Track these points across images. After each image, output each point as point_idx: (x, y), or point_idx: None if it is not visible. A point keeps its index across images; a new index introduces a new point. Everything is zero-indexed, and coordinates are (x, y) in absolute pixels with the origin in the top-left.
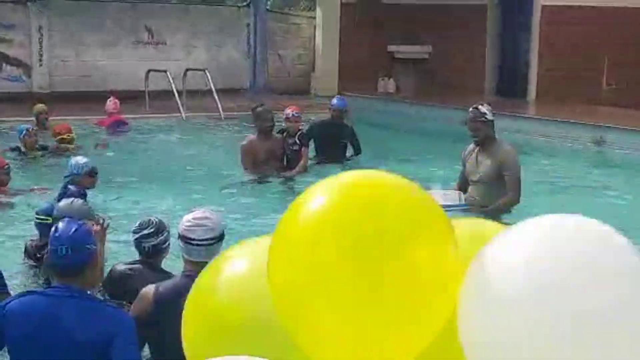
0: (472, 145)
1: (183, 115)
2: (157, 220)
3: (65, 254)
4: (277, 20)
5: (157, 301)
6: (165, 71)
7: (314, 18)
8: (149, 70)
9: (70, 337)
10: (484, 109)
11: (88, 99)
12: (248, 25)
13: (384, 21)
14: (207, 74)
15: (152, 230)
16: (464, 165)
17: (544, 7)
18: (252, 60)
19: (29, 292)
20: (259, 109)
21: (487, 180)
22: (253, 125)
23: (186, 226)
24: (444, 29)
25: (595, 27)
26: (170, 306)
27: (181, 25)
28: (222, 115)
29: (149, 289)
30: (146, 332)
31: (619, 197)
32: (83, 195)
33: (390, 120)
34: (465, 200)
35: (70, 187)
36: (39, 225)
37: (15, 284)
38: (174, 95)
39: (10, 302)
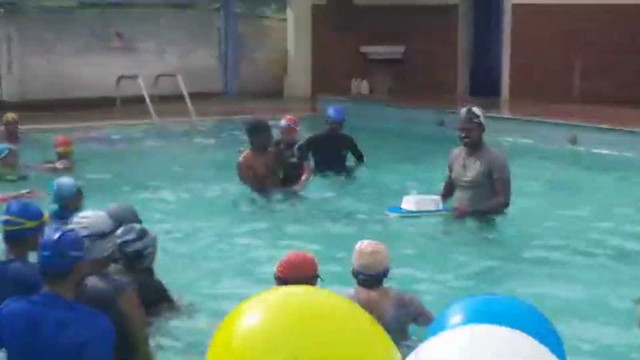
0: (458, 149)
1: (155, 120)
2: (139, 227)
3: (49, 261)
4: (248, 24)
5: None
6: (136, 77)
7: (286, 20)
8: (121, 77)
9: (49, 343)
10: (477, 111)
11: (60, 107)
12: (219, 29)
13: (356, 22)
14: (179, 79)
15: (134, 235)
16: (451, 170)
17: (514, 6)
18: (224, 64)
19: (19, 298)
20: (257, 123)
21: (476, 184)
22: (249, 140)
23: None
24: (417, 29)
25: (566, 26)
26: None
27: (152, 30)
28: (195, 120)
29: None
30: None
31: (592, 195)
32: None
33: (364, 121)
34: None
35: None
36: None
37: None
38: (145, 101)
39: (4, 307)
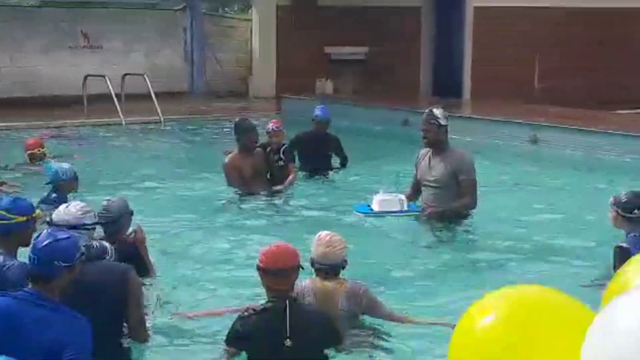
0: (425, 150)
1: (122, 120)
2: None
3: (34, 264)
4: (213, 23)
5: None
6: (103, 76)
7: (251, 20)
8: (87, 76)
9: (27, 341)
10: (437, 112)
11: (25, 105)
12: (185, 28)
13: (320, 23)
14: (146, 78)
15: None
16: (417, 169)
17: (476, 8)
18: (190, 63)
19: (2, 293)
20: (245, 123)
21: (440, 184)
22: (236, 140)
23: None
24: (380, 30)
25: (526, 27)
26: None
27: (118, 29)
28: (162, 119)
29: None
30: None
31: (553, 192)
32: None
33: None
34: (420, 204)
35: (55, 195)
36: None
37: None
38: (112, 99)
39: None
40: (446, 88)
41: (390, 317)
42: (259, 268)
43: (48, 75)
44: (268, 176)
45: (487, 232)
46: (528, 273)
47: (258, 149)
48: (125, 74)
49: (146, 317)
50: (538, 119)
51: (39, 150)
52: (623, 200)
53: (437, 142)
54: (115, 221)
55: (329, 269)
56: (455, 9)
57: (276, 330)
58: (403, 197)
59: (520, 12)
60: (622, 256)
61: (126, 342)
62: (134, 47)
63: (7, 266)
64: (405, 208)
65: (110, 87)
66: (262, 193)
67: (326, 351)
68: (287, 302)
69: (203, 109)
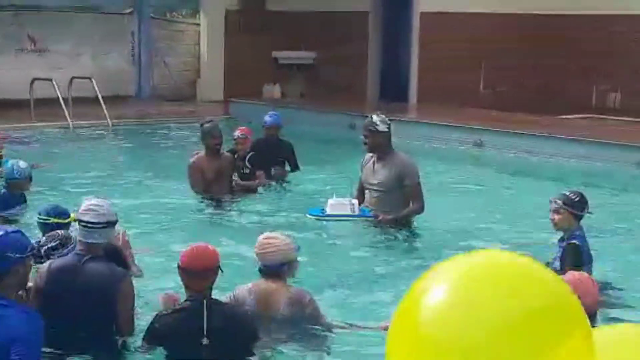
0: (370, 154)
1: (70, 123)
2: (63, 232)
3: None
4: (161, 27)
5: (50, 272)
6: (50, 80)
7: (199, 24)
8: (34, 79)
9: None
10: (376, 118)
11: None
12: (133, 32)
13: (268, 27)
14: (94, 82)
15: (56, 243)
16: (362, 173)
17: (422, 13)
18: (137, 67)
19: None
20: (207, 125)
21: (383, 188)
22: (201, 141)
23: (80, 211)
24: (328, 35)
25: (472, 33)
26: (60, 276)
27: (65, 33)
28: (110, 123)
29: (45, 264)
30: (43, 300)
31: (496, 195)
32: (24, 199)
33: None
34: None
35: (4, 190)
36: (40, 225)
37: None
38: (60, 103)
39: None
40: (393, 92)
41: (330, 328)
42: (179, 267)
43: None
44: (234, 183)
45: (433, 235)
46: None
47: (227, 153)
48: (73, 78)
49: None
50: (483, 123)
51: None
52: (576, 200)
53: (377, 148)
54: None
55: (266, 270)
56: (402, 14)
57: (193, 329)
58: (355, 201)
59: (467, 18)
60: (575, 252)
61: (118, 343)
62: (81, 51)
63: None
64: (357, 212)
65: (57, 90)
66: (222, 199)
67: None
68: (204, 301)
69: (151, 112)
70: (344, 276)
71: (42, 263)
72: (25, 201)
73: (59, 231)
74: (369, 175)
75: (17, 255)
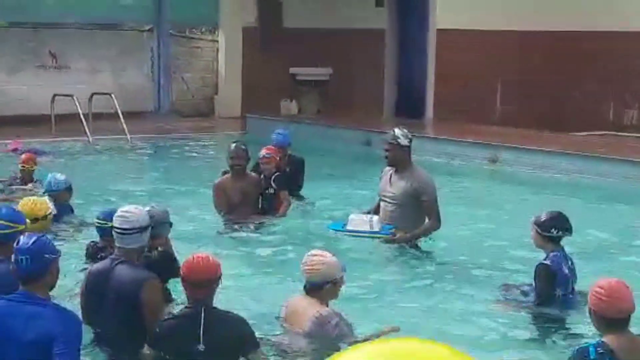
0: (389, 167)
1: (90, 138)
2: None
3: (25, 264)
4: (180, 44)
5: (88, 274)
6: (71, 96)
7: (217, 41)
8: (55, 95)
9: (19, 338)
10: (398, 132)
11: None
12: (152, 49)
13: (285, 44)
14: (114, 98)
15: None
16: (380, 183)
17: (438, 30)
18: (156, 83)
19: None
20: (232, 145)
21: (398, 201)
22: (228, 163)
23: (115, 216)
24: (344, 51)
25: (488, 50)
26: (95, 278)
27: (85, 49)
28: (129, 138)
29: (89, 267)
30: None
31: (511, 211)
32: (71, 209)
33: (293, 141)
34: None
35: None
36: (98, 229)
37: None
38: (80, 119)
39: None
40: (409, 109)
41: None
42: (181, 277)
43: (15, 94)
44: (260, 204)
45: (448, 250)
46: (484, 290)
47: (253, 174)
48: (93, 94)
49: None
50: (498, 139)
51: (24, 167)
52: (542, 220)
53: (398, 162)
54: (154, 228)
55: (309, 287)
56: (419, 31)
57: (189, 335)
58: (375, 217)
59: (483, 35)
60: (545, 273)
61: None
62: (101, 67)
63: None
64: (376, 229)
65: (78, 106)
66: (248, 223)
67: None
68: (202, 308)
69: (169, 128)
70: (363, 289)
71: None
72: (72, 211)
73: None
74: (385, 186)
75: (52, 256)
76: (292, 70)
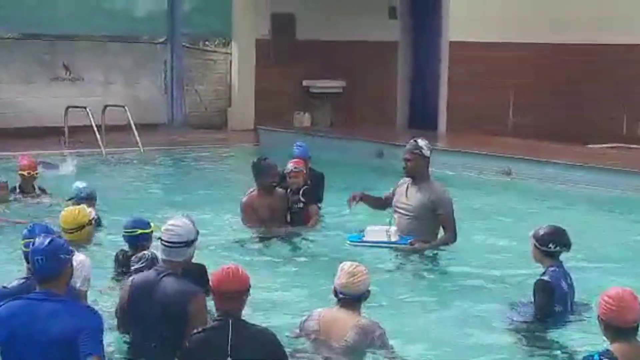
0: (406, 179)
1: (103, 151)
2: (149, 254)
3: (42, 264)
4: (193, 56)
5: (132, 286)
6: (84, 108)
7: (230, 54)
8: (68, 107)
9: (45, 335)
10: (421, 142)
11: (6, 136)
12: (165, 61)
13: (299, 57)
14: (127, 109)
15: (142, 265)
16: (393, 193)
17: (452, 43)
18: (169, 95)
19: (15, 298)
20: (263, 162)
21: (414, 214)
22: (254, 179)
23: (163, 229)
24: (358, 64)
25: (501, 62)
26: (140, 290)
27: (98, 61)
28: (142, 150)
29: (129, 279)
30: (128, 310)
31: (525, 223)
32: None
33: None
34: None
35: None
36: (126, 237)
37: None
38: (93, 131)
39: (1, 305)
40: (422, 121)
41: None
42: (210, 289)
43: (29, 106)
44: (288, 218)
45: (460, 262)
46: (498, 300)
47: (280, 190)
48: (106, 106)
49: None
50: (512, 151)
51: (28, 173)
52: (540, 234)
53: (417, 173)
54: None
55: (347, 298)
56: (432, 43)
57: (218, 348)
58: (393, 228)
59: (496, 47)
60: (544, 289)
61: None
62: (114, 79)
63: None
64: (394, 239)
65: (91, 118)
66: (277, 236)
67: None
68: (231, 321)
69: (182, 140)
70: (382, 300)
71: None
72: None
73: (146, 252)
74: (401, 197)
75: (66, 256)
76: (305, 82)
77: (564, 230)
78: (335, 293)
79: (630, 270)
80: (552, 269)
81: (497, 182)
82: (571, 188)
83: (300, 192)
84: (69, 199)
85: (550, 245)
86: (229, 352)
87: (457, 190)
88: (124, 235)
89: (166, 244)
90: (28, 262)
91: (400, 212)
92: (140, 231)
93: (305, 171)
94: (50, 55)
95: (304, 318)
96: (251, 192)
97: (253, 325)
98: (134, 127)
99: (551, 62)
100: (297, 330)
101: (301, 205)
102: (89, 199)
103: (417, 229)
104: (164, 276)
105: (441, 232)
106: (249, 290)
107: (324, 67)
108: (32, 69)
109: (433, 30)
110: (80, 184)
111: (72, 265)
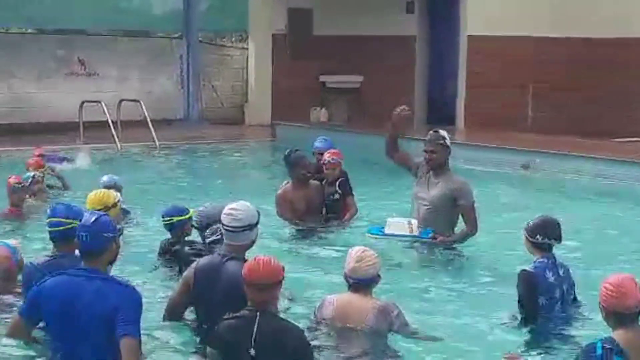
0: (426, 169)
1: (118, 145)
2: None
3: (86, 240)
4: (209, 52)
5: (196, 269)
6: (99, 102)
7: (247, 49)
8: (84, 102)
9: (88, 310)
10: (443, 132)
11: (21, 131)
12: (181, 56)
13: (315, 52)
14: (142, 104)
15: (217, 237)
16: (415, 180)
17: (469, 37)
18: (185, 91)
19: (59, 273)
20: (294, 155)
21: (434, 206)
22: (288, 172)
23: (223, 214)
24: (375, 59)
25: (519, 56)
26: (204, 273)
27: (114, 56)
28: (158, 145)
29: (195, 263)
30: (192, 293)
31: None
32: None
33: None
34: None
35: None
36: (166, 226)
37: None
38: (108, 126)
39: (45, 281)
40: (440, 116)
41: (417, 337)
42: (244, 281)
43: (45, 101)
44: (324, 210)
45: (482, 255)
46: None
47: (315, 181)
48: (121, 100)
49: None
50: (529, 145)
51: (37, 171)
52: (529, 225)
53: (440, 164)
54: (208, 227)
55: (358, 283)
56: (449, 37)
57: (242, 339)
58: (414, 221)
59: (514, 41)
60: (525, 280)
61: None
62: (130, 75)
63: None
64: (415, 232)
65: (106, 112)
66: (316, 227)
67: None
68: (258, 313)
69: (198, 135)
70: (400, 293)
71: (200, 256)
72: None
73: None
74: (422, 188)
75: (110, 235)
76: (322, 78)
77: (555, 222)
78: (346, 278)
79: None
80: (540, 260)
81: (516, 175)
82: (590, 180)
83: (337, 183)
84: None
85: (538, 236)
86: (252, 344)
87: (475, 185)
88: (163, 225)
89: (228, 228)
90: (53, 242)
91: (421, 204)
92: (176, 219)
93: (342, 162)
94: (66, 50)
95: (317, 305)
96: (285, 184)
97: (282, 320)
98: (149, 122)
99: (569, 56)
100: (313, 318)
101: (337, 196)
102: (112, 188)
103: (437, 220)
104: (227, 260)
105: (459, 225)
106: (280, 282)
107: (341, 62)
108: (47, 65)
109: (451, 25)
110: (106, 176)
111: (117, 243)
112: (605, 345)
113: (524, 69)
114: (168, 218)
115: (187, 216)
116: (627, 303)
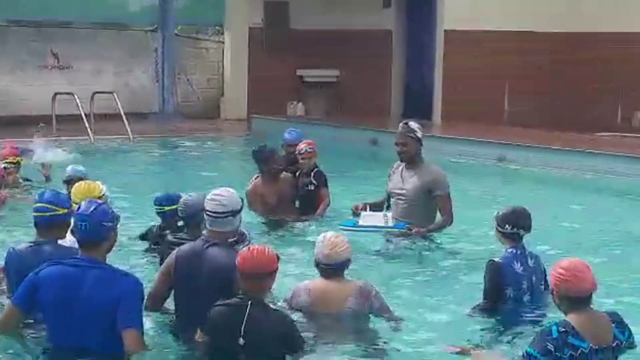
0: (399, 162)
1: (92, 138)
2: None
3: (85, 229)
4: (185, 45)
5: (178, 256)
6: (71, 94)
7: (223, 43)
8: (56, 94)
9: (88, 300)
10: (414, 125)
11: None
12: (156, 49)
13: (292, 46)
14: (115, 96)
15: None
16: (389, 180)
17: (446, 32)
18: (160, 84)
19: (56, 262)
20: (265, 150)
21: (411, 197)
22: (258, 168)
23: (206, 199)
24: (352, 53)
25: (497, 51)
26: (186, 260)
27: (88, 49)
28: (132, 138)
29: (177, 249)
30: (173, 279)
31: None
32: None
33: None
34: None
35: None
36: (159, 214)
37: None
38: (82, 119)
39: (42, 269)
40: (417, 110)
41: (394, 319)
42: (238, 270)
43: (17, 94)
44: (297, 203)
45: (457, 246)
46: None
47: (287, 174)
48: (95, 92)
49: None
50: (505, 138)
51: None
52: (497, 214)
53: (412, 157)
54: (192, 216)
55: (332, 269)
56: (426, 31)
57: (232, 327)
58: (389, 214)
59: (491, 36)
60: (492, 270)
61: None
62: (104, 68)
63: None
64: (390, 224)
65: (79, 105)
66: (287, 220)
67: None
68: (250, 302)
69: (173, 129)
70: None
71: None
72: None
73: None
74: (397, 183)
75: (109, 224)
76: (300, 71)
77: (525, 212)
78: (318, 265)
79: (623, 253)
80: (509, 251)
81: (492, 168)
82: (563, 173)
83: (312, 174)
84: (65, 181)
85: (507, 226)
86: (241, 333)
87: (452, 177)
88: (156, 212)
89: (210, 213)
90: (37, 227)
91: (397, 198)
92: (167, 208)
93: (316, 152)
94: (39, 42)
95: (289, 295)
96: (255, 179)
97: (274, 310)
98: (123, 114)
99: (546, 50)
100: (284, 306)
101: (312, 187)
102: (77, 180)
103: (414, 213)
104: (209, 246)
105: (437, 217)
106: (273, 272)
107: (318, 56)
108: (20, 57)
109: (427, 19)
110: (74, 166)
111: (116, 232)
112: (560, 328)
113: (501, 63)
114: (159, 207)
115: (177, 206)
116: (583, 286)
